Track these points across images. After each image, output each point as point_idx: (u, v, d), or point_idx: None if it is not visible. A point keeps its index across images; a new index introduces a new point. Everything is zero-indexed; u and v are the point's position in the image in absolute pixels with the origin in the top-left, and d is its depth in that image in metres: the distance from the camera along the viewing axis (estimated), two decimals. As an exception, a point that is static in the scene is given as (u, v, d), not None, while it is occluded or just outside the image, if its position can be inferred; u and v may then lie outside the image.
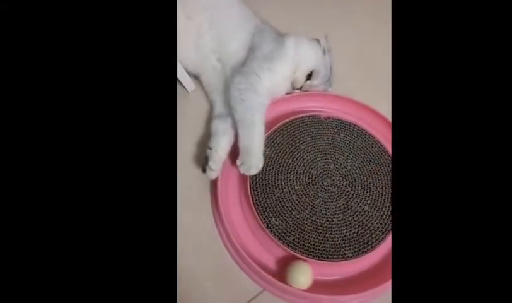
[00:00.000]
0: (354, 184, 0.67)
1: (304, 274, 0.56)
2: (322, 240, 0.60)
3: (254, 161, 0.63)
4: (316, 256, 0.58)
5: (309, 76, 0.76)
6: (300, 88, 0.77)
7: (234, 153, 0.70)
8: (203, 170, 0.66)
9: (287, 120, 0.73)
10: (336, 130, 0.73)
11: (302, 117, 0.74)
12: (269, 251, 0.61)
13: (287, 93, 0.78)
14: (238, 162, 0.63)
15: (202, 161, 0.67)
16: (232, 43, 0.74)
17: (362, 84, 0.88)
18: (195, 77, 0.82)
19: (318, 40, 0.78)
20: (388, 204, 0.65)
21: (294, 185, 0.65)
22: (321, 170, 0.68)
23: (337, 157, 0.70)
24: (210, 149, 0.66)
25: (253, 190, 0.63)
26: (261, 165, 0.64)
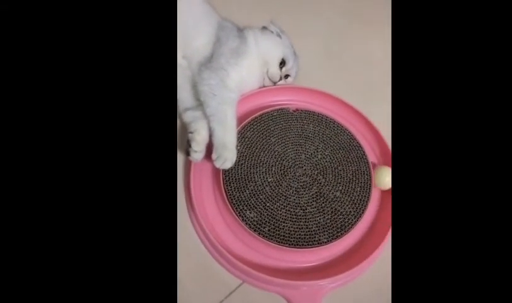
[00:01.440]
0: (325, 172, 0.68)
1: (388, 174, 0.68)
2: (297, 228, 0.61)
3: (229, 155, 0.64)
4: (292, 244, 0.60)
5: (282, 64, 0.77)
6: (280, 79, 0.78)
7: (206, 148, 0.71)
8: (187, 154, 0.67)
9: (256, 114, 0.74)
10: (305, 122, 0.75)
11: (271, 111, 0.75)
12: (246, 243, 0.62)
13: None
14: (214, 156, 0.64)
15: (185, 146, 0.68)
16: (197, 38, 0.74)
17: (328, 75, 0.91)
18: None
19: (267, 27, 0.79)
20: (358, 189, 0.67)
21: (266, 178, 0.66)
22: (293, 161, 0.69)
23: (307, 147, 0.71)
24: (192, 132, 0.67)
25: (227, 185, 0.64)
26: (235, 158, 0.65)
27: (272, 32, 0.79)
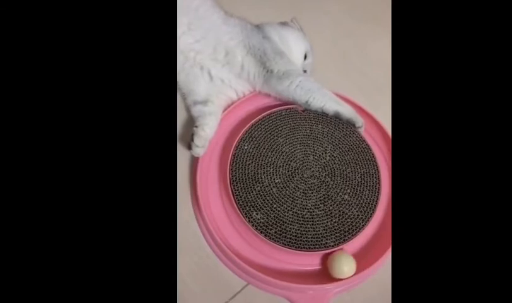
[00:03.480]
0: (333, 174, 0.67)
1: (347, 264, 0.58)
2: (304, 231, 0.61)
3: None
4: (299, 247, 0.59)
5: (305, 57, 0.78)
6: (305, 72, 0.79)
7: (212, 149, 0.70)
8: (189, 147, 0.67)
9: (264, 113, 0.73)
10: (314, 122, 0.74)
11: (279, 110, 0.74)
12: (251, 245, 0.61)
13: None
14: (356, 122, 0.72)
15: (188, 139, 0.68)
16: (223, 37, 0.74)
17: (337, 75, 0.89)
18: None
19: (288, 22, 0.80)
20: (367, 192, 0.66)
21: (274, 179, 0.65)
22: (301, 162, 0.68)
23: (316, 148, 0.70)
24: (196, 127, 0.68)
25: (234, 186, 0.63)
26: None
27: (292, 26, 0.80)
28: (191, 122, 0.73)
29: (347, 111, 0.73)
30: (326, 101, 0.72)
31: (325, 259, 0.61)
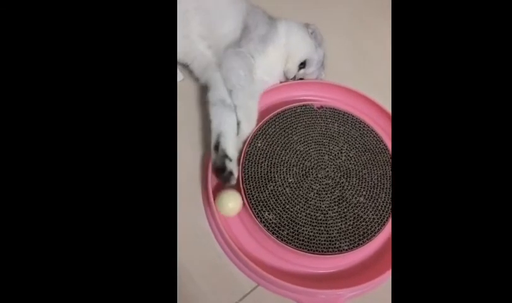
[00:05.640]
0: (348, 175, 0.65)
1: (232, 200, 0.59)
2: (317, 233, 0.59)
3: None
4: (311, 250, 0.57)
5: (302, 65, 0.75)
6: (294, 78, 0.76)
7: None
8: (226, 181, 0.62)
9: (279, 110, 0.71)
10: (330, 120, 0.72)
11: (294, 107, 0.72)
12: (263, 246, 0.60)
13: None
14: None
15: (219, 171, 0.62)
16: (224, 25, 0.72)
17: (355, 71, 0.87)
18: (184, 66, 0.79)
19: (308, 26, 0.76)
20: (383, 195, 0.64)
21: (287, 178, 0.63)
22: (315, 162, 0.66)
23: (331, 148, 0.68)
24: (226, 157, 0.63)
25: (246, 184, 0.62)
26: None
27: (310, 32, 0.75)
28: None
29: (246, 130, 0.66)
30: (242, 104, 0.66)
31: (339, 262, 0.60)
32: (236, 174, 0.62)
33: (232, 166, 0.62)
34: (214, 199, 0.60)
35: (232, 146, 0.64)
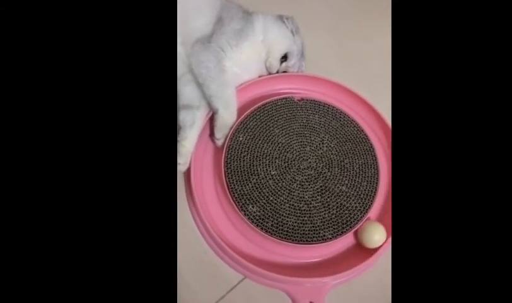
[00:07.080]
0: (330, 165, 0.66)
1: (377, 232, 0.59)
2: (301, 223, 0.59)
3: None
4: (296, 240, 0.58)
5: (284, 58, 0.75)
6: (277, 72, 0.76)
7: (207, 141, 0.69)
8: None
9: (259, 104, 0.71)
10: (310, 112, 0.72)
11: (275, 100, 0.72)
12: (248, 238, 0.60)
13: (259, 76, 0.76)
14: (218, 135, 0.66)
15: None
16: (196, 19, 0.71)
17: (336, 64, 0.87)
18: None
19: (283, 18, 0.76)
20: (365, 183, 0.65)
21: (270, 171, 0.64)
22: (297, 153, 0.67)
23: (313, 139, 0.69)
24: (178, 141, 0.64)
25: (229, 179, 0.62)
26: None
27: (285, 24, 0.75)
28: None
29: (226, 117, 0.66)
30: (215, 94, 0.66)
31: (323, 250, 0.61)
32: (180, 161, 0.63)
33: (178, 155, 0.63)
34: (358, 231, 0.61)
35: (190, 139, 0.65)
